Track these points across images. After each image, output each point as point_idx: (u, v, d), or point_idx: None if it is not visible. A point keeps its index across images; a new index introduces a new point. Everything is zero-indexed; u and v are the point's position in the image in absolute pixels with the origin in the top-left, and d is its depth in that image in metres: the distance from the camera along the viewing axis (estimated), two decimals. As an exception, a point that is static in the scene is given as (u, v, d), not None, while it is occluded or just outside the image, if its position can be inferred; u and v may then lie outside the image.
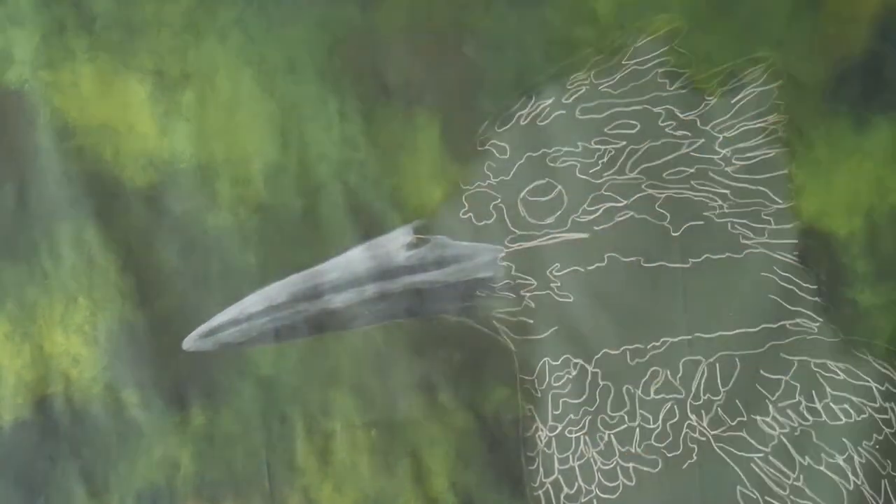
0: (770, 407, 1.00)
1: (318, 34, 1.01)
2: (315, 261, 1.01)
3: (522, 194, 1.01)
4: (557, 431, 1.00)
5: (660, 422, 1.00)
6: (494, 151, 1.01)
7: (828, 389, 1.00)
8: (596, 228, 1.00)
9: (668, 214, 1.00)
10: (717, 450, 1.00)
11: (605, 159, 1.00)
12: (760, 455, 0.99)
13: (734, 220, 1.00)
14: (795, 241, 1.01)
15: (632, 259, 1.00)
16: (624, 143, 1.00)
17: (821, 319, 1.01)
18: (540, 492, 1.00)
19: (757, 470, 0.99)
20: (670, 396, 1.00)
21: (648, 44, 1.01)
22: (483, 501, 1.00)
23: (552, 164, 1.01)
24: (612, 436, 1.00)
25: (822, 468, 0.99)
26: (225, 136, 1.01)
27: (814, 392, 1.00)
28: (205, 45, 1.00)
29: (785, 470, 0.99)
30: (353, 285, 1.00)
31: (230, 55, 1.01)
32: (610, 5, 1.02)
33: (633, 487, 1.00)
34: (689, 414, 1.00)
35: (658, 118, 1.00)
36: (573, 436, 1.00)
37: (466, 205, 1.01)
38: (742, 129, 1.01)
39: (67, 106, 1.00)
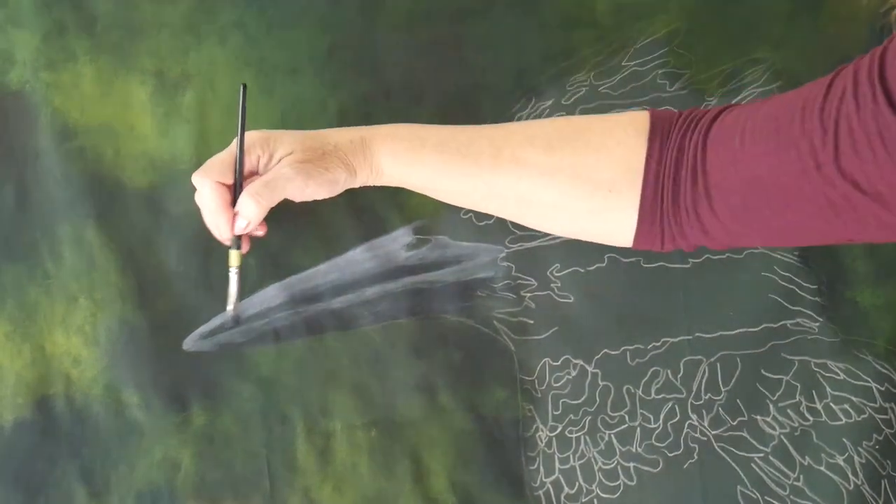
0: (770, 407, 1.00)
1: (318, 35, 1.01)
2: (315, 261, 1.01)
3: (523, 195, 1.01)
4: (558, 431, 1.00)
5: (660, 421, 1.00)
6: (495, 152, 1.01)
7: (828, 389, 1.00)
8: (596, 229, 1.00)
9: (668, 214, 1.00)
10: (718, 449, 1.00)
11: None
12: (761, 455, 0.99)
13: (734, 219, 1.00)
14: (796, 241, 1.01)
15: (632, 259, 1.00)
16: (624, 143, 1.00)
17: (821, 319, 1.01)
18: (540, 492, 1.00)
19: (757, 470, 0.99)
20: (671, 396, 1.00)
21: (648, 45, 1.01)
22: (483, 501, 1.00)
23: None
24: (612, 436, 1.00)
25: (822, 468, 0.99)
26: (225, 137, 1.00)
27: (814, 392, 1.00)
28: (205, 47, 1.00)
29: (785, 470, 0.99)
30: (354, 286, 1.00)
31: (230, 56, 1.01)
32: (609, 6, 1.02)
33: (634, 487, 1.00)
34: (690, 414, 1.00)
35: (658, 119, 1.00)
36: (573, 436, 1.00)
37: (467, 204, 1.01)
38: (742, 129, 1.01)
39: (68, 107, 1.00)
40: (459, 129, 0.85)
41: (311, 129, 1.00)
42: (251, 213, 0.82)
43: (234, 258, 0.86)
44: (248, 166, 0.84)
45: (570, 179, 0.79)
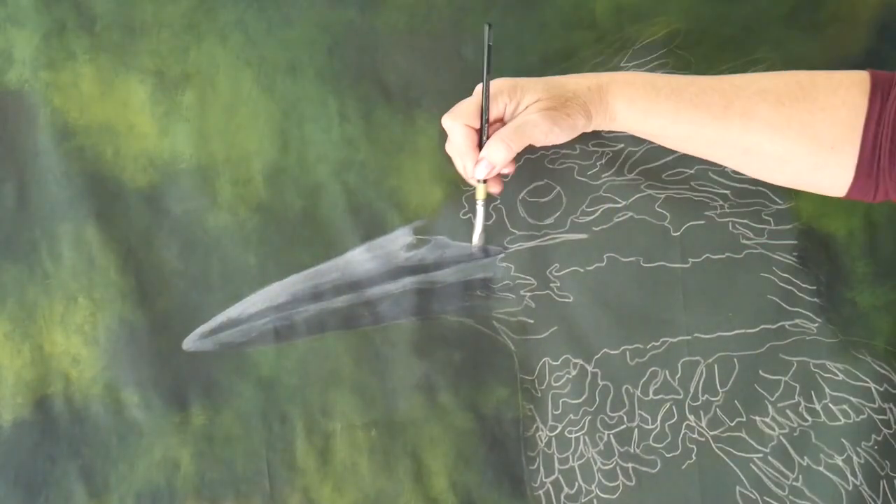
0: (769, 407, 1.00)
1: (317, 35, 1.01)
2: (315, 261, 1.01)
3: (521, 195, 1.01)
4: (557, 431, 1.01)
5: (658, 422, 1.00)
6: (494, 153, 1.01)
7: (827, 390, 1.00)
8: (595, 229, 1.01)
9: (667, 214, 1.00)
10: (717, 450, 1.00)
11: (602, 161, 1.01)
12: (759, 455, 0.99)
13: (734, 220, 1.00)
14: (795, 242, 1.01)
15: (631, 259, 1.00)
16: (622, 145, 1.01)
17: (820, 320, 1.01)
18: (540, 492, 1.00)
19: (756, 470, 0.99)
20: (669, 397, 1.00)
21: (647, 46, 1.01)
22: (483, 501, 1.00)
23: (550, 166, 1.01)
24: (611, 436, 1.00)
25: (821, 469, 0.99)
26: (225, 136, 1.01)
27: (813, 393, 1.00)
28: (205, 46, 1.00)
29: (784, 470, 0.99)
30: (354, 286, 1.01)
31: (230, 56, 1.01)
32: (609, 7, 1.02)
33: (633, 487, 1.00)
34: (688, 414, 1.00)
35: (658, 119, 1.00)
36: (573, 436, 1.00)
37: (466, 205, 1.01)
38: (742, 130, 1.01)
39: (68, 106, 1.00)
40: (689, 79, 0.91)
41: (312, 127, 1.01)
42: (499, 158, 0.88)
43: (481, 191, 0.92)
44: (494, 112, 0.89)
45: (796, 135, 0.86)
